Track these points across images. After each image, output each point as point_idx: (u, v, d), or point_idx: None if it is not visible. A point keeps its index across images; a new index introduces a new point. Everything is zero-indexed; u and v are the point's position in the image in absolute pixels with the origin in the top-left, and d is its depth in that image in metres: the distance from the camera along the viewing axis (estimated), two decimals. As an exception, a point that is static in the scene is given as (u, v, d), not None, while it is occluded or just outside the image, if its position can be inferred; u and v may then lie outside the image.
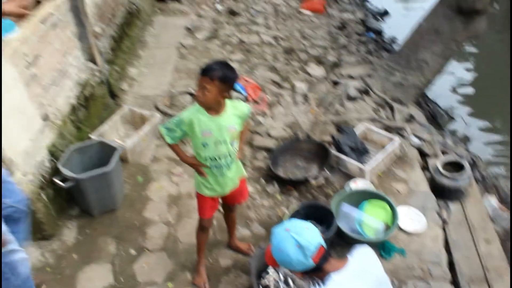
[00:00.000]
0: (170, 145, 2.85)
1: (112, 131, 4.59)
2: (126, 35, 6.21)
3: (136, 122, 4.80)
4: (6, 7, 2.85)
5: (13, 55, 3.35)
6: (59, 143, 3.92)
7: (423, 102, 6.04)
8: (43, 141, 3.73)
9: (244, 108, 2.84)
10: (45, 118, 3.82)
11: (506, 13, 8.31)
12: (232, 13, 7.79)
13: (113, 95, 5.32)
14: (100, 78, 4.96)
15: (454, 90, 6.98)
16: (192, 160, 2.87)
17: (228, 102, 2.72)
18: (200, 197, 3.01)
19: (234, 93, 5.25)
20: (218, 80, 2.54)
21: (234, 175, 2.93)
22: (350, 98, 5.26)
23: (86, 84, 4.65)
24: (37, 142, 3.64)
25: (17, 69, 3.41)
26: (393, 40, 8.34)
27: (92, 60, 4.88)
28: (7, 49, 3.25)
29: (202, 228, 3.16)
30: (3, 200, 2.60)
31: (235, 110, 2.76)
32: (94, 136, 4.29)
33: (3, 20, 3.37)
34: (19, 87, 3.42)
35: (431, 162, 4.50)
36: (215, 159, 2.77)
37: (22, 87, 3.47)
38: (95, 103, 4.76)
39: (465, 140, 5.78)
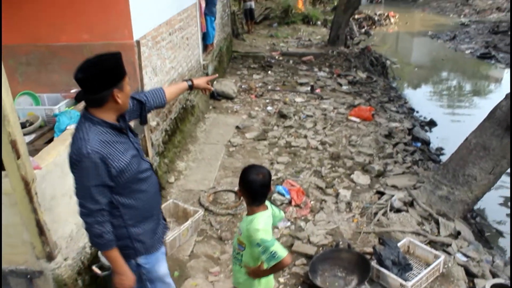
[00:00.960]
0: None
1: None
2: (178, 129, 6.50)
3: (179, 216, 4.87)
4: (198, 81, 3.06)
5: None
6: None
7: (470, 217, 5.86)
8: (88, 227, 3.82)
9: (253, 233, 2.63)
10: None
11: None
12: (283, 116, 8.06)
13: (159, 187, 5.45)
14: (149, 170, 5.13)
15: (504, 204, 6.77)
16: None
17: (260, 216, 2.69)
18: None
19: (278, 196, 5.29)
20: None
21: (238, 276, 2.89)
22: (395, 210, 5.17)
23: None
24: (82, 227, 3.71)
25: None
26: (440, 151, 8.33)
27: (144, 151, 5.10)
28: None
29: None
30: None
31: (251, 223, 2.67)
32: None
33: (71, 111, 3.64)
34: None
35: (478, 283, 4.26)
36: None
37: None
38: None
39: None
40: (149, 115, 5.18)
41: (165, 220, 2.96)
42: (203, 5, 8.81)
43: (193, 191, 5.58)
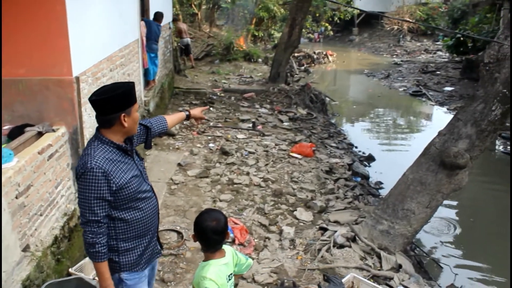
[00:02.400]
0: None
1: (92, 266, 4.43)
2: (119, 167, 6.31)
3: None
4: (194, 111, 3.35)
5: (5, 184, 3.37)
6: (35, 276, 3.76)
7: (410, 249, 6.01)
8: (19, 274, 3.58)
9: (200, 280, 2.58)
10: (26, 249, 3.73)
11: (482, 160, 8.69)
12: (225, 152, 8.04)
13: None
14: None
15: (439, 235, 7.03)
16: None
17: (213, 264, 2.65)
18: None
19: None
20: None
21: None
22: (338, 245, 5.22)
23: (73, 215, 4.62)
24: (12, 275, 3.49)
25: (7, 198, 3.40)
26: (379, 185, 8.57)
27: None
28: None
29: None
30: None
31: (201, 270, 2.64)
32: (73, 270, 4.14)
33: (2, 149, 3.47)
34: (4, 217, 3.37)
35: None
36: None
37: (7, 217, 3.43)
38: (79, 234, 4.67)
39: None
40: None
41: (161, 246, 3.08)
42: (145, 41, 8.78)
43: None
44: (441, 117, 14.17)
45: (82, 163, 2.56)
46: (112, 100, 2.55)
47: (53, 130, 4.45)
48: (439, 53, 27.01)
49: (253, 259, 4.98)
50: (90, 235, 2.56)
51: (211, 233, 2.58)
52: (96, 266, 2.67)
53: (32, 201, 3.84)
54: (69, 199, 4.66)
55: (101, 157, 2.54)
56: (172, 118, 3.24)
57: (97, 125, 2.67)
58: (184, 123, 9.73)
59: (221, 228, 2.61)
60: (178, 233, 5.40)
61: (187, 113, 3.32)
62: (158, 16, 9.76)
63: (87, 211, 2.55)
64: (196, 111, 3.37)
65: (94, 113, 4.77)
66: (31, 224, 3.82)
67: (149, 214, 2.80)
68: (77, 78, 4.62)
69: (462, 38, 20.11)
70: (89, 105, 5.08)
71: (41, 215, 4.01)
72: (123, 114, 2.58)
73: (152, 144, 3.13)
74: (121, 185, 2.59)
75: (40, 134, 4.31)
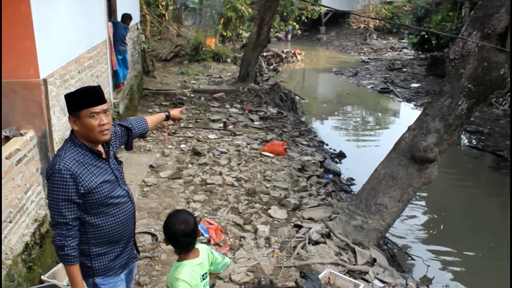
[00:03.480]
0: None
1: (65, 272, 4.34)
2: (89, 171, 6.20)
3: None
4: (173, 112, 3.37)
5: (-28, 192, 3.27)
6: (5, 286, 3.66)
7: (383, 243, 6.11)
8: (-10, 283, 3.49)
9: (173, 281, 2.58)
10: (-5, 257, 3.62)
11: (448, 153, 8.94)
12: (197, 153, 7.99)
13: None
14: (59, 215, 4.83)
15: (411, 228, 7.17)
16: None
17: (186, 264, 2.64)
18: None
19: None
20: None
21: None
22: (313, 242, 5.26)
23: (44, 221, 4.52)
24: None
25: (-26, 206, 3.30)
26: (350, 181, 8.67)
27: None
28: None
29: None
30: None
31: (174, 271, 2.64)
32: (46, 278, 4.04)
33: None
34: (-27, 225, 3.28)
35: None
36: None
37: (-24, 225, 3.33)
38: (50, 241, 4.56)
39: (426, 280, 5.77)
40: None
41: (137, 251, 3.03)
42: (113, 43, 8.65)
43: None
44: (408, 113, 14.46)
45: (51, 164, 2.53)
46: (66, 102, 2.60)
47: (21, 134, 4.35)
48: (405, 50, 27.54)
49: (229, 258, 4.96)
50: (58, 238, 2.52)
51: (180, 236, 2.56)
52: (67, 269, 2.62)
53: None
54: (39, 205, 4.55)
55: (71, 159, 2.50)
56: (152, 119, 3.24)
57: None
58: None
59: (191, 230, 2.58)
60: (153, 235, 5.34)
61: (167, 113, 3.33)
62: (126, 17, 9.61)
63: (56, 213, 2.51)
64: (175, 112, 3.39)
65: (62, 116, 4.73)
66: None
67: (123, 220, 2.71)
68: (45, 81, 4.52)
69: (426, 36, 20.56)
70: (57, 108, 5.01)
71: (10, 222, 3.91)
72: (71, 117, 2.57)
73: (122, 146, 3.08)
74: (90, 189, 2.53)
75: (7, 139, 4.19)
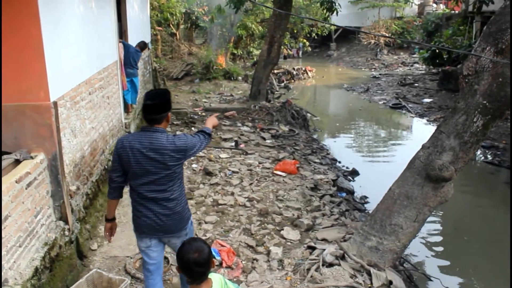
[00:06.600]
0: None
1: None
2: (100, 192, 6.18)
3: (104, 286, 4.52)
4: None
5: (-19, 218, 3.23)
6: (15, 312, 3.61)
7: (399, 263, 5.97)
8: (-2, 310, 3.43)
9: None
10: (4, 283, 3.57)
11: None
12: (208, 173, 7.93)
13: (81, 255, 5.10)
14: (70, 237, 4.79)
15: (427, 247, 7.03)
16: None
17: None
18: None
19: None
20: None
21: None
22: (327, 264, 5.14)
23: (54, 244, 4.46)
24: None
25: (-17, 232, 3.26)
26: (364, 199, 8.55)
27: (64, 218, 4.76)
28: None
29: None
30: None
31: None
32: (55, 303, 3.98)
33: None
34: (-19, 251, 3.23)
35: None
36: None
37: (-16, 251, 3.29)
38: (61, 264, 4.52)
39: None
40: (68, 179, 4.90)
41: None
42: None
43: (118, 258, 5.25)
44: (421, 129, 14.33)
45: (183, 140, 3.49)
46: (166, 103, 3.50)
47: (31, 157, 4.32)
48: (416, 65, 27.46)
49: (241, 282, 4.87)
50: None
51: (194, 266, 2.49)
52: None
53: (10, 232, 3.70)
54: (49, 228, 4.51)
55: None
56: None
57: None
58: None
59: (204, 260, 2.52)
60: (164, 258, 5.25)
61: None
62: (142, 44, 9.72)
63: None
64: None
65: (73, 139, 4.76)
66: (9, 257, 3.67)
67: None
68: (55, 103, 4.51)
69: (437, 51, 20.47)
70: (68, 130, 4.99)
71: (20, 246, 3.86)
72: (169, 113, 3.55)
73: None
74: None
75: (17, 162, 4.17)
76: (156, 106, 3.40)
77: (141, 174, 3.46)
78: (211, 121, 3.96)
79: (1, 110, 4.14)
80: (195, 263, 2.49)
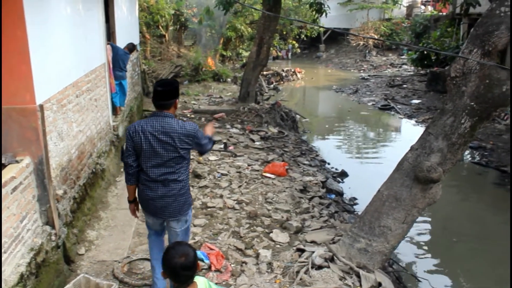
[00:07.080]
0: None
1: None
2: (88, 195, 6.12)
3: (91, 291, 4.47)
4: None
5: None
6: (0, 319, 3.55)
7: (388, 265, 5.98)
8: (-17, 317, 3.37)
9: None
10: (-11, 290, 3.51)
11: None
12: (197, 175, 7.90)
13: (68, 260, 5.04)
14: (56, 242, 4.73)
15: (416, 248, 7.05)
16: None
17: None
18: None
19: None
20: None
21: None
22: (316, 267, 5.13)
23: (40, 249, 4.40)
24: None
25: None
26: (353, 201, 8.56)
27: (50, 223, 4.70)
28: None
29: None
30: None
31: None
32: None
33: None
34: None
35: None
36: None
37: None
38: (47, 270, 4.46)
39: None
40: (54, 183, 4.85)
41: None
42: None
43: (106, 262, 5.20)
44: (410, 130, 14.41)
45: (193, 127, 3.88)
46: (175, 90, 3.91)
47: (17, 161, 4.26)
48: (405, 66, 27.62)
49: (230, 285, 4.85)
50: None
51: (180, 270, 2.48)
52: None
53: (-5, 238, 3.65)
54: (35, 233, 4.45)
55: None
56: None
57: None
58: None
59: (191, 263, 2.51)
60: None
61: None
62: (131, 46, 9.68)
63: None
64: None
65: (60, 142, 4.73)
66: (-6, 263, 3.62)
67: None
68: (41, 106, 4.46)
69: (425, 52, 20.60)
70: (54, 134, 4.93)
71: (4, 252, 3.80)
72: (177, 100, 3.93)
73: (122, 170, 3.54)
74: None
75: (2, 166, 4.11)
76: (166, 93, 3.79)
77: (152, 156, 3.81)
78: (210, 130, 4.33)
79: (0, 111, 4.09)
80: (182, 267, 2.47)
